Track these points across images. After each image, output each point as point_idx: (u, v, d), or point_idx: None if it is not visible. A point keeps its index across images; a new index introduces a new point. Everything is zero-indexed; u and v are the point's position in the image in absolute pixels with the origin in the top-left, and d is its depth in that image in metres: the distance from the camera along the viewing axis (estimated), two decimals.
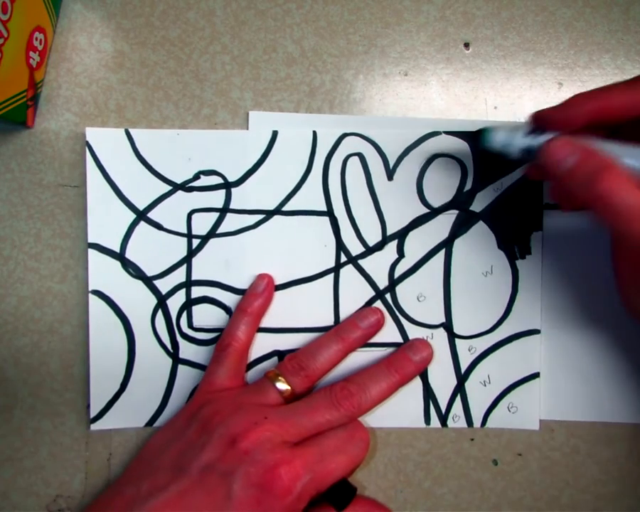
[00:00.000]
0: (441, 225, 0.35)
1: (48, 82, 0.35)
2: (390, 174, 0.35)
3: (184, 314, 0.35)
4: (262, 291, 0.34)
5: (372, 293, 0.36)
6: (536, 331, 0.35)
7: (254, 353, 0.35)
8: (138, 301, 0.35)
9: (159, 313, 0.35)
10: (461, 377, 0.36)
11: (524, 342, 0.35)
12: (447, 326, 0.36)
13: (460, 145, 0.35)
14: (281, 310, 0.35)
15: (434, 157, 0.35)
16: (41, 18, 0.33)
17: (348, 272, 0.35)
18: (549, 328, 0.35)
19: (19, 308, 0.35)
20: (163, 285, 0.35)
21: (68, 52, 0.35)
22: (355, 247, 0.35)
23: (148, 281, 0.35)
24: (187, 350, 0.35)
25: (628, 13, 0.36)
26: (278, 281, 0.35)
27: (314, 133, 0.35)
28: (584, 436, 0.36)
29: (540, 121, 0.29)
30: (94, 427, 0.35)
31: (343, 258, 0.35)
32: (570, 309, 0.35)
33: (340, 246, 0.35)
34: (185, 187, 0.35)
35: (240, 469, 0.29)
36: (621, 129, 0.29)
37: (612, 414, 0.36)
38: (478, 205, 0.35)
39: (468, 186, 0.35)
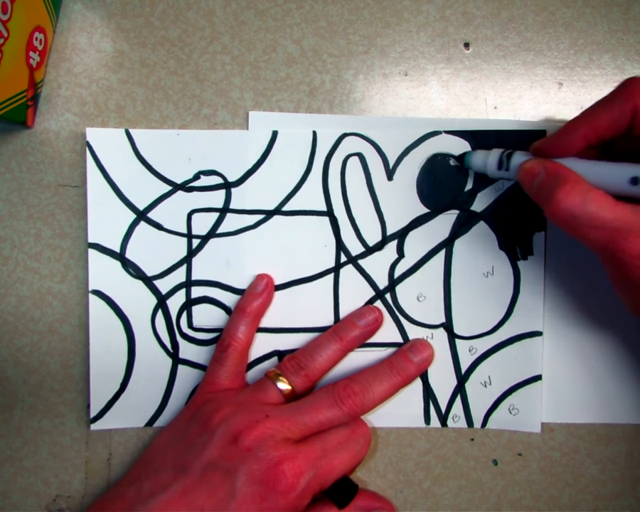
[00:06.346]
0: (442, 225, 0.35)
1: (48, 82, 0.35)
2: (390, 174, 0.35)
3: (184, 314, 0.35)
4: (261, 291, 0.34)
5: (372, 293, 0.36)
6: (538, 333, 0.35)
7: (254, 353, 0.35)
8: (138, 301, 0.35)
9: (159, 313, 0.35)
10: (462, 378, 0.36)
11: (526, 344, 0.35)
12: (447, 326, 0.36)
13: (460, 145, 0.35)
14: (281, 310, 0.35)
15: (434, 157, 0.35)
16: (41, 18, 0.33)
17: (348, 271, 0.35)
18: (551, 329, 0.35)
19: (19, 308, 0.35)
20: (163, 285, 0.35)
21: (68, 52, 0.35)
22: (355, 247, 0.35)
23: (148, 281, 0.35)
24: (187, 350, 0.35)
25: (628, 13, 0.36)
26: (278, 281, 0.35)
27: (314, 133, 0.35)
28: (584, 436, 0.36)
29: (540, 152, 0.30)
30: (94, 427, 0.35)
31: (343, 258, 0.35)
32: (573, 311, 0.35)
33: (340, 246, 0.35)
34: (185, 187, 0.35)
35: (243, 466, 0.29)
36: (616, 142, 0.29)
37: (613, 414, 0.36)
38: (479, 205, 0.35)
39: (468, 186, 0.35)
